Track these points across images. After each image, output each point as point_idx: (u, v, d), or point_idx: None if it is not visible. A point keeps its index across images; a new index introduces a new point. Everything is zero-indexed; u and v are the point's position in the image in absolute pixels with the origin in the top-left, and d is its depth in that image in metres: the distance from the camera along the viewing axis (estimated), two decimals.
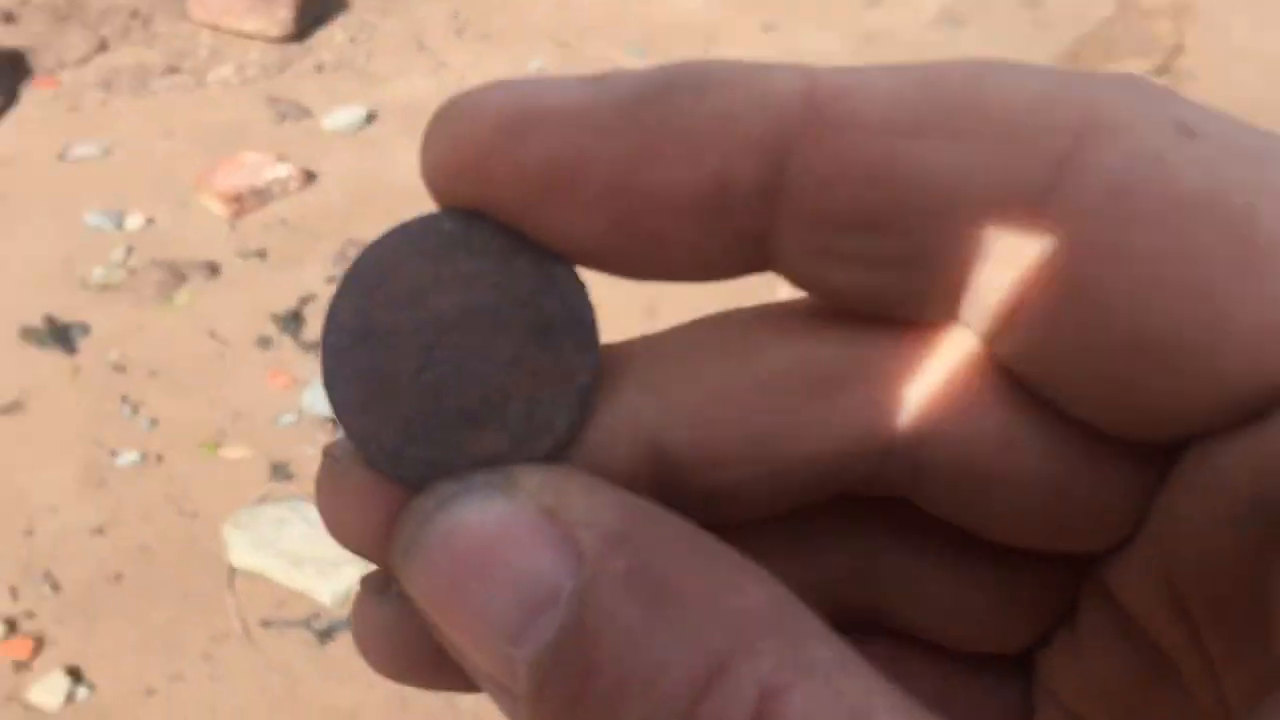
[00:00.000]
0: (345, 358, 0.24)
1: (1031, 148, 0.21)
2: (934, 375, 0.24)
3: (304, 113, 2.92)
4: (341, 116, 2.89)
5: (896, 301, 0.24)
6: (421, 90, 2.98)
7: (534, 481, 0.23)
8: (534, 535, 0.22)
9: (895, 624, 0.28)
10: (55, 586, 1.82)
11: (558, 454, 0.24)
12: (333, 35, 3.23)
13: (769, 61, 0.23)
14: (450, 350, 0.24)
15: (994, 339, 0.23)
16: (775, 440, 0.25)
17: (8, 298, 2.33)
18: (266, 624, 1.78)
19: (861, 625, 0.28)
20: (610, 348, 0.25)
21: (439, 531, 0.22)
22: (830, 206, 0.22)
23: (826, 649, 0.20)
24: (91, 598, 1.81)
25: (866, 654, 0.22)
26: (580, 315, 0.24)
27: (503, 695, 0.22)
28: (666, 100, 0.22)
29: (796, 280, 0.24)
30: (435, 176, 0.24)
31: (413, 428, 0.24)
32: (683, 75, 0.23)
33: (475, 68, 3.07)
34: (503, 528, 0.22)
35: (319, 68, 3.10)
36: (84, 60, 3.08)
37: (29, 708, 1.67)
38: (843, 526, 0.28)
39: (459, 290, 0.24)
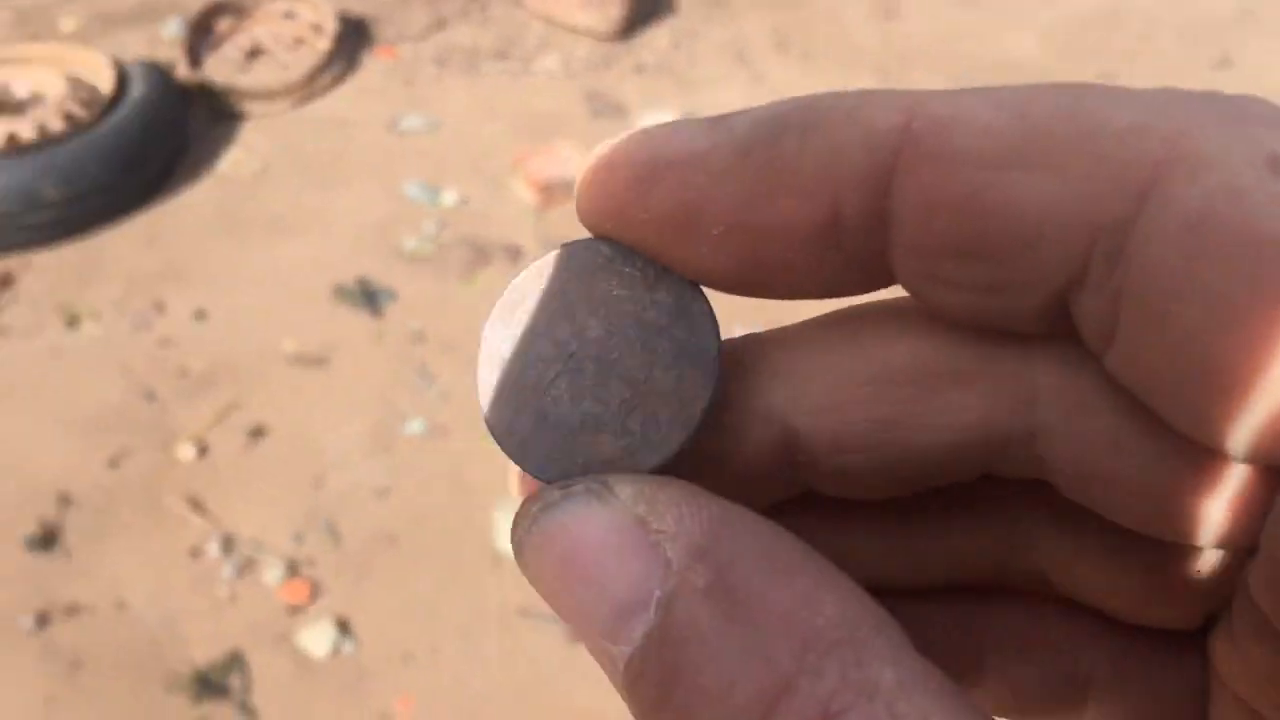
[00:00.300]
0: (500, 349, 0.27)
1: (1117, 180, 0.22)
2: (1046, 376, 0.26)
3: (619, 111, 2.95)
4: (655, 118, 2.90)
5: (1004, 320, 0.25)
6: (737, 101, 2.96)
7: (629, 491, 0.24)
8: (626, 543, 0.23)
9: (1062, 592, 0.30)
10: (336, 539, 1.90)
11: (662, 470, 0.26)
12: (657, 38, 3.26)
13: (874, 89, 0.24)
14: (590, 361, 0.27)
15: (1098, 353, 0.24)
16: (896, 429, 0.26)
17: (328, 254, 2.47)
18: (524, 613, 1.79)
19: (1033, 586, 0.30)
20: (744, 338, 0.28)
21: (543, 533, 0.24)
22: (929, 236, 0.24)
23: (891, 671, 0.21)
24: (366, 556, 1.88)
25: (1043, 611, 0.27)
26: (707, 347, 0.27)
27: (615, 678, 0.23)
28: (776, 142, 0.24)
29: (914, 296, 0.26)
30: (587, 217, 0.27)
31: (543, 423, 0.27)
32: (791, 115, 0.24)
33: (792, 85, 3.02)
34: (598, 534, 0.24)
35: (639, 68, 3.14)
36: (422, 35, 3.24)
37: (297, 652, 1.74)
38: (996, 499, 0.29)
39: (607, 309, 0.27)
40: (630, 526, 0.24)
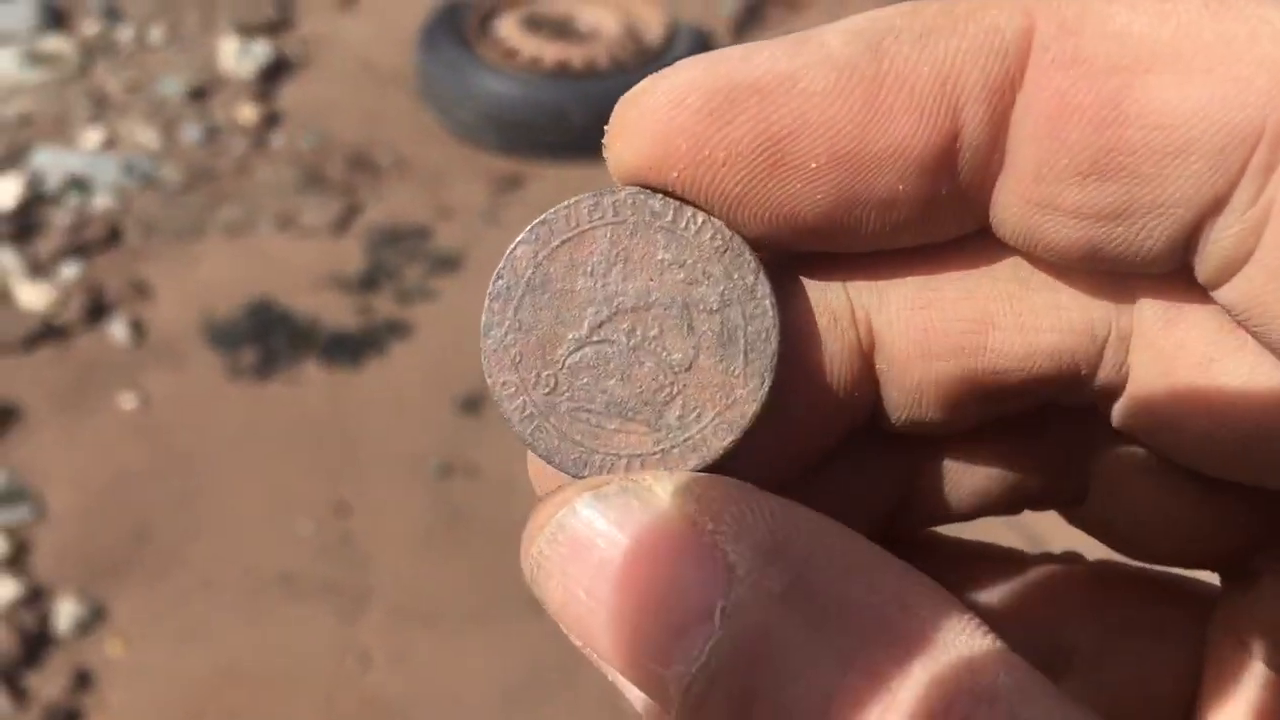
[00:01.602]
0: (510, 305, 0.23)
1: (1276, 84, 0.20)
2: (1147, 289, 0.24)
3: None
4: None
5: (1118, 255, 0.22)
6: None
7: (674, 489, 0.21)
8: (678, 549, 0.20)
9: (1100, 530, 0.28)
10: None
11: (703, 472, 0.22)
12: None
13: None
14: (623, 332, 0.23)
15: (1215, 284, 0.22)
16: (991, 330, 0.24)
17: None
18: None
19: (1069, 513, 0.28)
20: (810, 253, 0.24)
21: (571, 540, 0.21)
22: (1059, 152, 0.21)
23: (1008, 675, 0.19)
24: None
25: (1033, 581, 0.28)
26: (768, 338, 0.23)
27: (650, 711, 0.20)
28: (885, 54, 0.21)
29: (1012, 239, 0.23)
30: (634, 165, 0.22)
31: (558, 398, 0.23)
32: (899, 21, 0.21)
33: None
34: (644, 539, 0.20)
35: None
36: None
37: None
38: (1049, 430, 0.28)
39: (649, 274, 0.23)
40: (681, 529, 0.21)
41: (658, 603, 0.20)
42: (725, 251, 0.23)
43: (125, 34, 3.06)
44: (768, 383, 0.24)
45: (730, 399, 0.23)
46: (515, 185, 2.62)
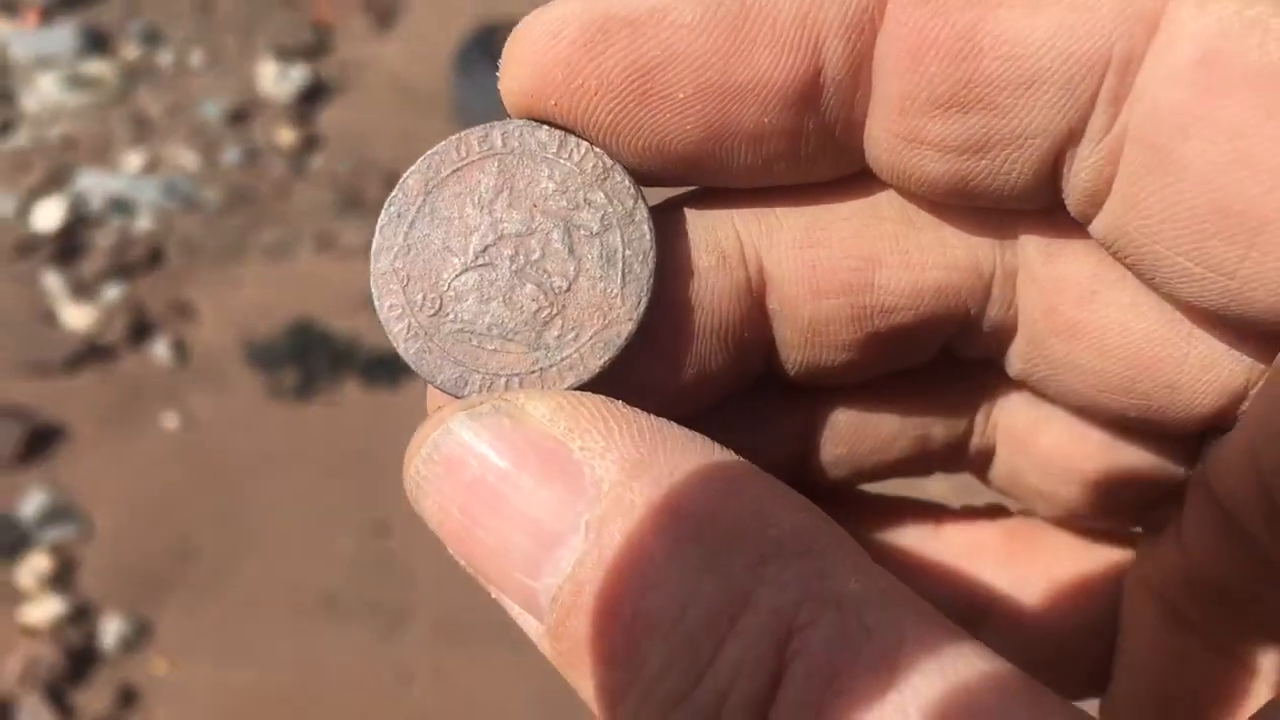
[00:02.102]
0: (400, 231, 0.24)
1: (1120, 12, 0.20)
2: (1028, 226, 0.24)
3: None
4: None
5: (987, 189, 0.23)
6: None
7: (545, 408, 0.22)
8: (546, 465, 0.21)
9: (1013, 488, 0.29)
10: None
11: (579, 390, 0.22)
12: None
13: None
14: (505, 259, 0.24)
15: (1086, 218, 0.23)
16: (880, 267, 0.24)
17: None
18: None
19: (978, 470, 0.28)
20: (695, 190, 0.25)
21: (445, 459, 0.22)
22: (918, 84, 0.22)
23: (858, 581, 0.19)
24: None
25: (947, 537, 0.28)
26: (645, 259, 0.24)
27: (528, 624, 0.21)
28: None
29: (886, 175, 0.24)
30: (520, 93, 0.23)
31: (443, 320, 0.24)
32: None
33: None
34: (514, 457, 0.21)
35: None
36: None
37: None
38: (948, 384, 0.28)
39: (533, 202, 0.24)
40: (550, 446, 0.21)
41: (527, 519, 0.21)
42: (605, 178, 0.24)
43: (166, 58, 3.11)
44: (644, 302, 0.24)
45: (607, 319, 0.24)
46: None
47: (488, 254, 0.24)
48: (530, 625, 0.22)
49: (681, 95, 0.23)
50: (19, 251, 2.44)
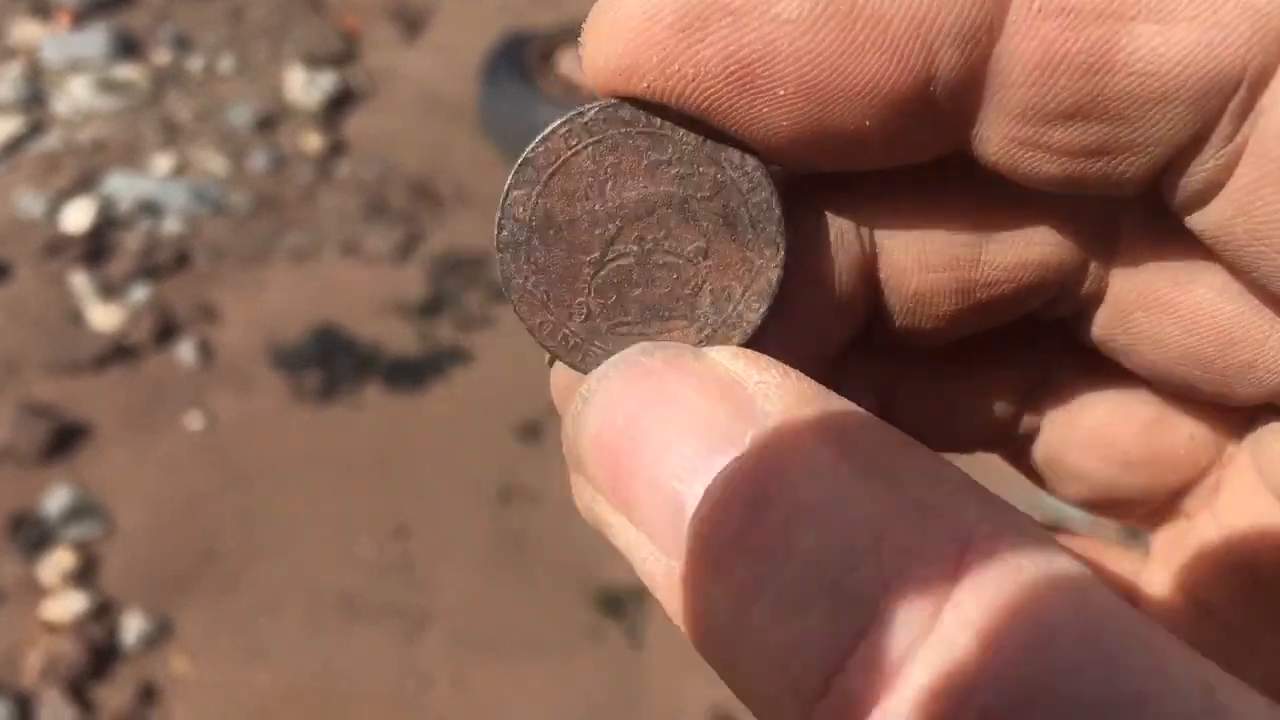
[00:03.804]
0: (522, 252, 0.24)
1: (1256, 28, 0.20)
2: (1126, 208, 0.25)
3: None
4: None
5: (1097, 185, 0.23)
6: None
7: (724, 353, 0.23)
8: (721, 390, 0.21)
9: (1046, 465, 0.30)
10: None
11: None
12: None
13: None
14: (634, 242, 0.24)
15: (1186, 212, 0.23)
16: (988, 243, 0.25)
17: None
18: None
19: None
20: (809, 175, 0.25)
21: (626, 374, 0.22)
22: (1045, 98, 0.22)
23: (1029, 518, 0.19)
24: None
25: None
26: (770, 208, 0.24)
27: (653, 553, 0.21)
28: None
29: (994, 167, 0.24)
30: (604, 73, 0.23)
31: (596, 322, 0.24)
32: None
33: None
34: (691, 380, 0.22)
35: None
36: None
37: None
38: (1017, 351, 0.29)
39: (642, 180, 0.23)
40: (725, 377, 0.22)
41: (694, 426, 0.21)
42: (705, 140, 0.24)
43: (195, 64, 3.14)
44: (782, 247, 0.24)
45: (752, 272, 0.24)
46: None
47: (615, 246, 0.24)
48: (645, 552, 0.22)
49: (782, 92, 0.22)
50: (48, 252, 2.46)
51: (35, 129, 2.86)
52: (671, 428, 0.21)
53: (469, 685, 1.70)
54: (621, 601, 1.81)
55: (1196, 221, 0.24)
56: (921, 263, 0.26)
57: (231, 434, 2.08)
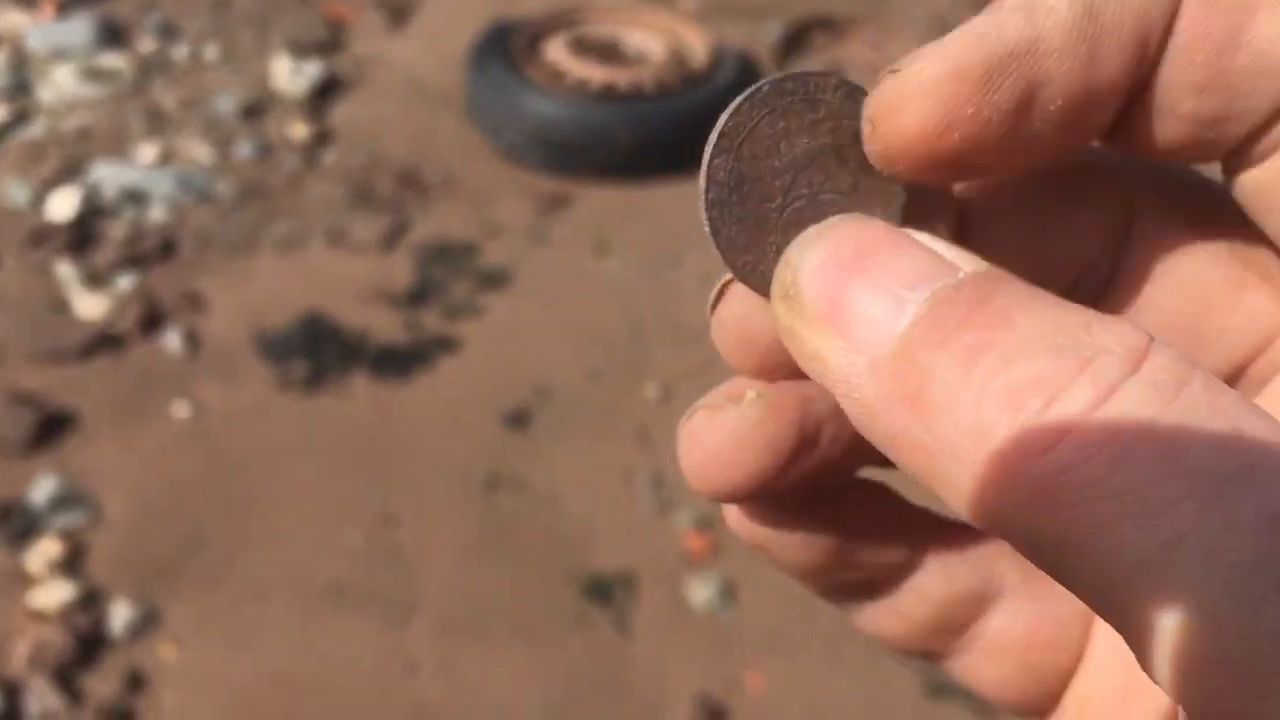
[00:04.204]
0: (725, 208, 0.28)
1: None
2: None
3: None
4: None
5: (1202, 151, 0.28)
6: None
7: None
8: (908, 244, 0.26)
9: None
10: None
11: None
12: None
13: None
14: (805, 186, 0.29)
15: (1241, 172, 0.28)
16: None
17: None
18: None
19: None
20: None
21: (852, 219, 0.27)
22: (1185, 71, 0.26)
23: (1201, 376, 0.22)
24: None
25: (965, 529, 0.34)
26: None
27: (856, 366, 0.24)
28: (1101, 11, 0.26)
29: (1133, 138, 0.28)
30: (915, 133, 0.27)
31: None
32: None
33: None
34: (885, 234, 0.26)
35: None
36: None
37: (679, 596, 1.81)
38: (1096, 187, 0.31)
39: (805, 137, 0.29)
40: (909, 237, 0.26)
41: (916, 259, 0.25)
42: (849, 97, 0.29)
43: (181, 52, 3.12)
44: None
45: (888, 198, 0.29)
46: (561, 205, 2.65)
47: (791, 192, 0.29)
48: (849, 368, 0.25)
49: (1053, 108, 0.26)
50: (33, 240, 2.45)
51: (20, 118, 2.85)
52: (896, 258, 0.25)
53: (456, 671, 1.71)
54: (609, 589, 1.82)
55: (1246, 181, 0.28)
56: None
57: (218, 423, 2.08)
